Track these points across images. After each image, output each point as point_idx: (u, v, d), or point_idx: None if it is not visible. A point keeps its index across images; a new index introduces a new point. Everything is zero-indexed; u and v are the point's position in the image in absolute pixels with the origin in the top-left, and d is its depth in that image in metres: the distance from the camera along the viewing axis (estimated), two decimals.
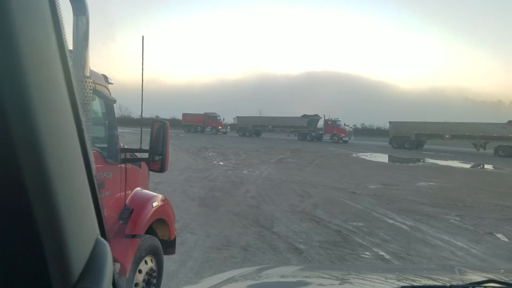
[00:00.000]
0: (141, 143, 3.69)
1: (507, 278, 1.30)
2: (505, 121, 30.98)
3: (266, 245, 6.17)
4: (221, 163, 17.87)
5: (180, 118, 57.90)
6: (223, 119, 53.56)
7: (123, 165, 3.56)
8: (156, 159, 3.50)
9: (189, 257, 5.45)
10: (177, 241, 4.59)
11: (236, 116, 54.58)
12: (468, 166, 22.71)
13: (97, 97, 3.21)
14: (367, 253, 6.08)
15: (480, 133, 31.64)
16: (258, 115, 58.07)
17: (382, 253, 6.07)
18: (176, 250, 4.48)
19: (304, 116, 45.67)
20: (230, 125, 56.23)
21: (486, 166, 22.82)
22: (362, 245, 6.42)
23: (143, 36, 3.62)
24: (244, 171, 15.24)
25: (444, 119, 39.55)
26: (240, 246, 6.07)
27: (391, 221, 8.12)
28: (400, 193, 11.55)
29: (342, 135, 41.44)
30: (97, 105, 3.36)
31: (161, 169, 3.49)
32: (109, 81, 3.47)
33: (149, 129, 3.53)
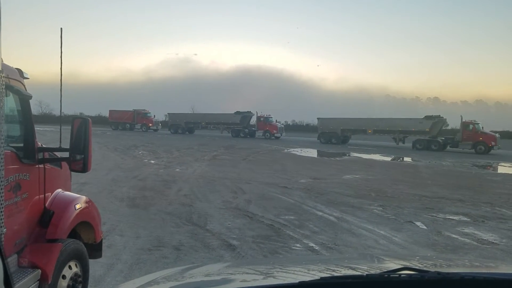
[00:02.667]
0: (60, 142, 3.46)
1: (422, 265, 1.41)
2: (422, 116, 33.60)
3: (199, 243, 6.12)
4: (152, 162, 17.38)
5: (107, 115, 55.34)
6: (154, 116, 52.08)
7: (41, 166, 3.32)
8: (78, 159, 3.31)
9: (118, 260, 5.24)
10: (104, 244, 4.39)
11: (168, 113, 53.32)
12: (389, 159, 24.31)
13: (11, 93, 2.97)
14: (298, 245, 6.27)
15: (400, 128, 33.98)
16: (190, 112, 57.24)
17: (311, 244, 6.29)
18: (104, 253, 4.28)
19: (237, 112, 45.92)
20: (161, 122, 54.83)
21: (405, 159, 24.59)
22: (293, 238, 6.61)
23: (61, 28, 3.40)
24: (177, 169, 14.97)
25: (368, 115, 41.88)
26: (172, 245, 5.96)
27: (320, 213, 8.45)
28: (328, 186, 12.06)
29: (274, 131, 42.29)
30: (11, 102, 3.10)
31: (84, 169, 3.31)
32: (25, 75, 3.21)
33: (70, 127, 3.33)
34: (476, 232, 7.40)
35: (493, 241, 6.90)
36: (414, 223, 7.90)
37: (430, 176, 15.90)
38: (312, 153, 26.66)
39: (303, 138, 42.92)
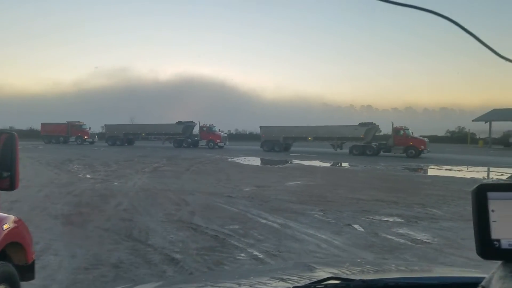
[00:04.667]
0: None
1: (350, 272, 1.47)
2: (357, 123, 35.23)
3: (140, 259, 5.91)
4: (88, 176, 16.59)
5: (39, 128, 52.08)
6: (90, 128, 49.78)
7: None
8: (4, 176, 3.07)
9: (53, 280, 4.92)
10: (37, 265, 4.08)
11: (105, 125, 51.23)
12: (328, 165, 25.15)
13: None
14: (243, 254, 6.27)
15: (337, 135, 35.36)
16: (129, 123, 55.39)
17: (256, 253, 6.32)
18: (37, 275, 3.99)
19: (179, 122, 45.25)
20: (98, 134, 52.49)
21: (344, 164, 25.58)
22: (238, 247, 6.60)
23: None
24: (115, 183, 14.40)
25: (308, 122, 43.09)
26: (111, 263, 5.70)
27: (264, 221, 8.53)
28: (272, 194, 12.22)
29: (218, 140, 42.18)
30: None
31: (11, 186, 3.08)
32: None
33: None
34: (410, 232, 7.84)
35: (426, 240, 7.34)
36: (353, 226, 8.22)
37: (367, 180, 16.66)
38: (256, 161, 26.91)
39: (247, 146, 43.21)
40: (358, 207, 10.31)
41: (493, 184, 0.84)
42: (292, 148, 38.45)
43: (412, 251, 6.70)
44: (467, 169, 22.51)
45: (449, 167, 23.02)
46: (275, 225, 8.22)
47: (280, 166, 23.58)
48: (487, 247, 0.82)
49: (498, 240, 0.82)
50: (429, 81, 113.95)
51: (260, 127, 40.91)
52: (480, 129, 49.66)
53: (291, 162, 26.09)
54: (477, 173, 20.32)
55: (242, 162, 25.37)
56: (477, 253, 0.84)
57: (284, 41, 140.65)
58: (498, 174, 20.27)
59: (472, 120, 49.91)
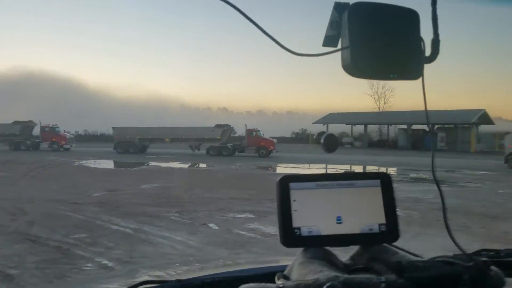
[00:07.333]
0: None
1: (176, 272, 1.49)
2: (213, 125, 36.14)
3: None
4: None
5: None
6: None
7: None
8: None
9: None
10: None
11: None
12: (186, 166, 25.21)
13: None
14: (90, 264, 5.85)
15: (195, 136, 35.71)
16: None
17: (105, 261, 5.96)
18: None
19: (16, 122, 39.80)
20: None
21: (201, 165, 25.94)
22: (84, 257, 6.13)
23: None
24: None
25: (165, 124, 42.42)
26: None
27: (115, 227, 8.09)
28: (125, 198, 11.67)
29: (63, 142, 38.37)
30: None
31: None
32: None
33: None
34: (260, 226, 8.38)
35: (273, 233, 7.92)
36: (208, 225, 8.41)
37: (223, 179, 17.22)
38: (108, 164, 25.36)
39: (98, 148, 40.26)
40: (214, 206, 10.57)
41: (294, 175, 0.90)
42: (149, 150, 37.35)
43: (262, 244, 7.16)
44: (309, 166, 25.12)
45: (295, 165, 25.36)
46: (127, 230, 7.88)
47: (135, 168, 22.68)
48: (289, 236, 0.86)
49: (299, 228, 0.86)
50: (277, 86, 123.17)
51: (113, 127, 38.70)
52: (319, 131, 55.89)
53: (147, 164, 25.33)
54: (318, 170, 22.84)
55: (92, 166, 23.60)
56: (281, 242, 0.87)
57: (136, 38, 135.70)
58: (334, 170, 23.15)
59: (313, 123, 56.00)
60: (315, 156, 29.91)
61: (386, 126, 54.38)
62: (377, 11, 0.80)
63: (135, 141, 36.14)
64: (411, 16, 0.84)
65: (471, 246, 1.38)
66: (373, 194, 0.89)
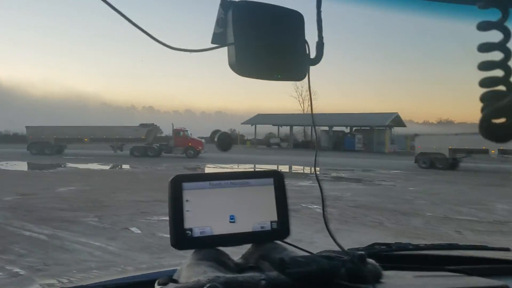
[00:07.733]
0: None
1: (69, 279, 1.44)
2: (138, 124, 34.91)
3: None
4: None
5: None
6: None
7: None
8: None
9: None
10: None
11: None
12: (107, 167, 24.08)
13: None
14: (0, 273, 5.39)
15: (117, 136, 34.16)
16: None
17: (16, 269, 5.53)
18: None
19: None
20: None
21: (124, 166, 24.94)
22: None
23: None
24: None
25: (84, 123, 40.18)
26: None
27: (28, 233, 7.54)
28: (40, 202, 10.89)
29: None
30: None
31: None
32: None
33: None
34: None
35: None
36: (130, 229, 8.14)
37: (147, 181, 16.72)
38: (21, 166, 23.42)
39: (10, 149, 36.85)
40: (136, 209, 10.24)
41: (187, 174, 0.89)
42: (66, 151, 35.06)
43: None
44: (238, 166, 25.33)
45: (223, 165, 25.39)
46: (42, 236, 7.37)
47: (51, 170, 21.21)
48: (180, 237, 0.85)
49: (191, 229, 0.86)
50: (206, 86, 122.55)
51: (26, 127, 35.78)
52: (248, 131, 56.62)
53: (64, 166, 23.81)
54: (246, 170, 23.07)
55: (2, 168, 21.64)
56: (171, 244, 0.85)
57: (49, 27, 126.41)
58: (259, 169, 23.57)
59: (241, 123, 56.49)
60: (244, 157, 30.28)
61: (310, 127, 56.60)
62: (262, 11, 0.80)
63: (51, 142, 33.74)
64: (296, 18, 0.84)
65: (385, 240, 1.53)
66: (266, 192, 0.91)
